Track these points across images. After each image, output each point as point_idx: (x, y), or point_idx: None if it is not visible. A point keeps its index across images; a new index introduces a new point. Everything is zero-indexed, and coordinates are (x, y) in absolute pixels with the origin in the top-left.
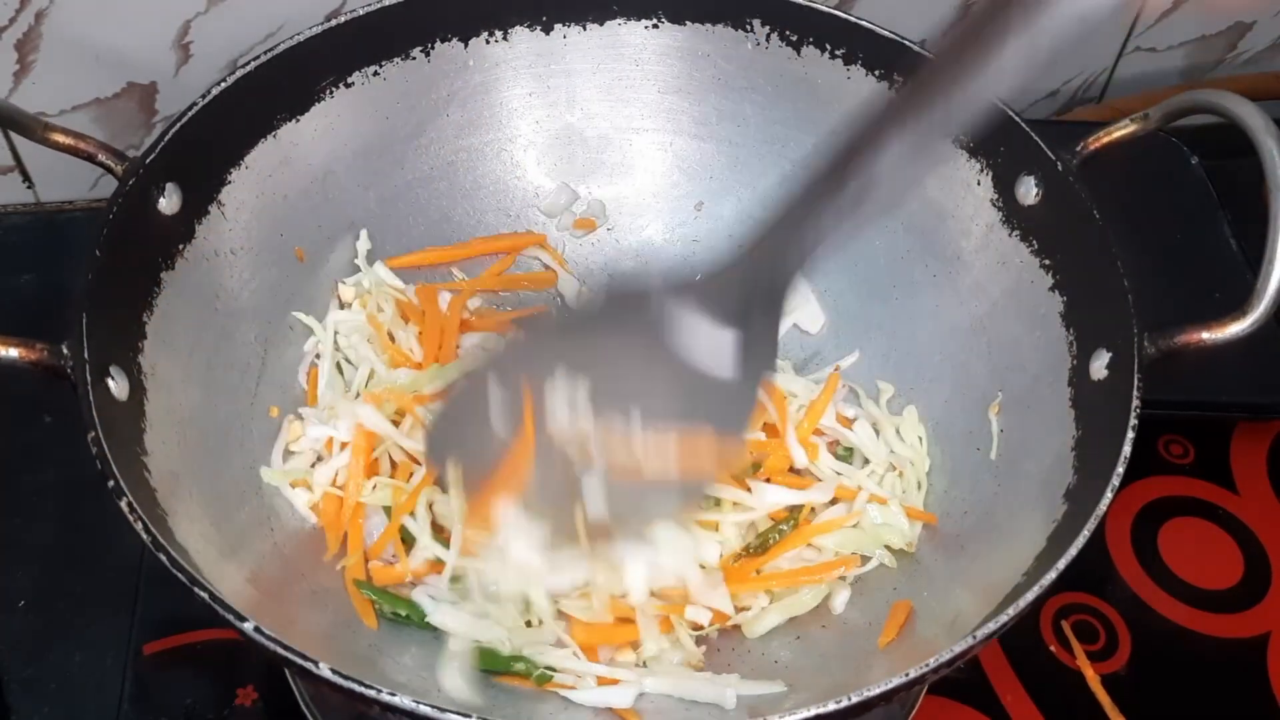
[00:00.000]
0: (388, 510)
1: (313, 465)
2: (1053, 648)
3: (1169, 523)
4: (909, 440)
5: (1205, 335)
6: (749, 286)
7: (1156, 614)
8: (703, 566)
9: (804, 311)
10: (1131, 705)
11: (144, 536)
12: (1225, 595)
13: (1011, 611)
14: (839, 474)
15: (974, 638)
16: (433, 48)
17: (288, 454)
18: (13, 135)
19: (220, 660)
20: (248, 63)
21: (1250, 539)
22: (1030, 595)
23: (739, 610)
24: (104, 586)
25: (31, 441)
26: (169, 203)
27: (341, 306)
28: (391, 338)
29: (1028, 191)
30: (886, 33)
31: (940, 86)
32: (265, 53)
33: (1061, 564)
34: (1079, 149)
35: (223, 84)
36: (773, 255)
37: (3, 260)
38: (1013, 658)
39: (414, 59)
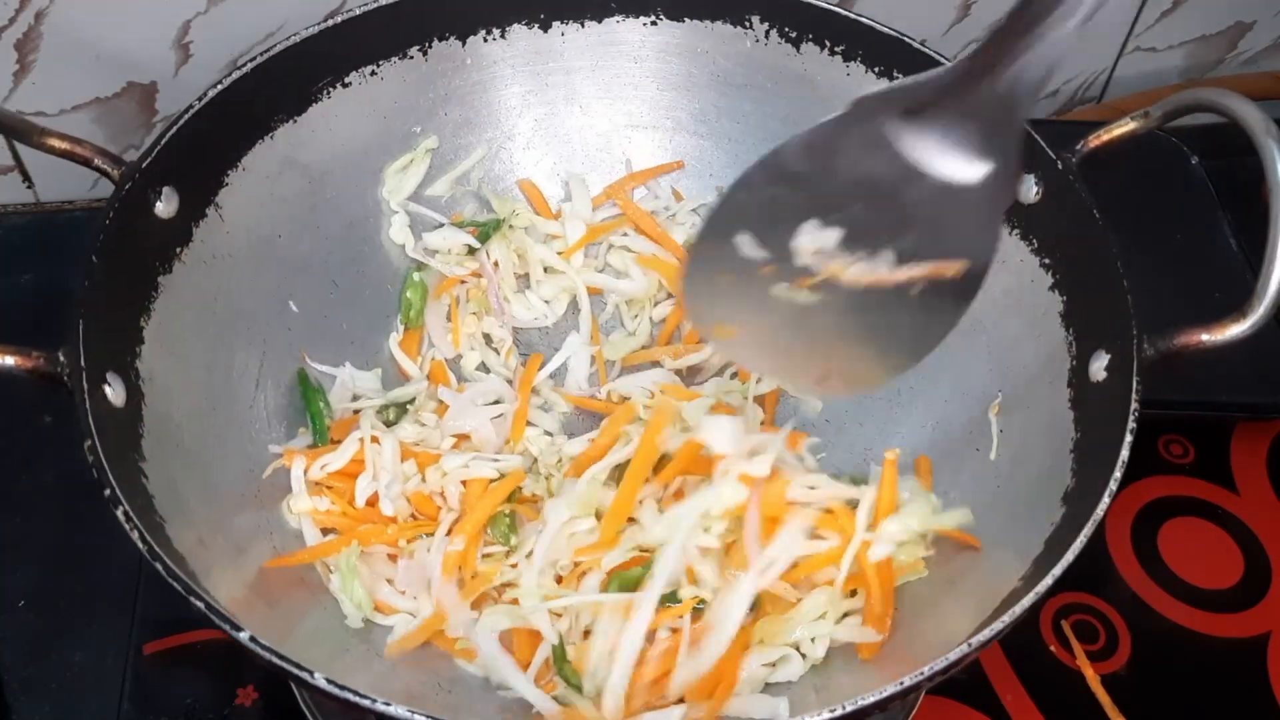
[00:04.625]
0: None
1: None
2: (1053, 648)
3: (1169, 523)
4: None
5: (1205, 337)
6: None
7: (1156, 614)
8: None
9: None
10: (1131, 705)
11: (140, 545)
12: (1225, 595)
13: (1007, 619)
14: None
15: (969, 645)
16: (430, 47)
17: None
18: None
19: (220, 660)
20: (244, 64)
21: (1250, 539)
22: (1026, 602)
23: None
24: (104, 586)
25: (31, 442)
26: (166, 206)
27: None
28: None
29: (1028, 190)
30: (886, 29)
31: None
32: (261, 54)
33: (1058, 570)
34: (1079, 148)
35: (219, 86)
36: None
37: (3, 260)
38: (1013, 658)
39: (411, 58)
